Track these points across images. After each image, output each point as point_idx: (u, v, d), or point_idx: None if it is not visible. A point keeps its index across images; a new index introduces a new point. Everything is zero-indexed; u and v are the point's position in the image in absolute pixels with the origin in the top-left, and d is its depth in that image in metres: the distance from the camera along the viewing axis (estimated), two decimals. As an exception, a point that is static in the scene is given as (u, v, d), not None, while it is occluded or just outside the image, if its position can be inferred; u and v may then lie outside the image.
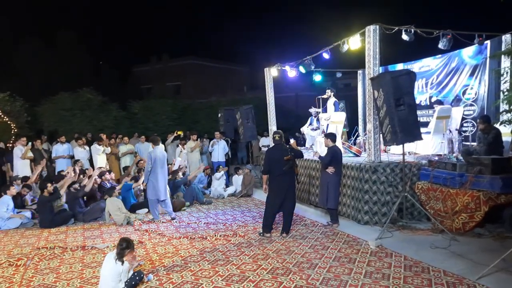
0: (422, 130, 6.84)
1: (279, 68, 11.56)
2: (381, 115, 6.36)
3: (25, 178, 9.58)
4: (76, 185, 8.60)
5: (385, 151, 9.12)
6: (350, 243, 6.09)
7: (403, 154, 6.70)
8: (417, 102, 9.70)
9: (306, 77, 12.04)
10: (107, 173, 9.53)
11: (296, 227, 7.12)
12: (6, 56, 24.52)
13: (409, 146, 8.44)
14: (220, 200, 10.16)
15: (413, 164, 7.29)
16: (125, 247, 4.58)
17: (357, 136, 10.97)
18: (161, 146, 9.01)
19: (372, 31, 7.12)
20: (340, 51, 8.56)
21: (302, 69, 10.60)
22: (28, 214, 8.07)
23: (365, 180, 7.00)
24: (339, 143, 8.80)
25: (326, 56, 9.39)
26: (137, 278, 4.63)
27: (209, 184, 11.16)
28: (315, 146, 9.12)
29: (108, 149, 11.42)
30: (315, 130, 11.20)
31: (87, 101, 17.68)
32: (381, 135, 6.95)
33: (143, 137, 13.09)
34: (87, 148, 11.55)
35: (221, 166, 11.09)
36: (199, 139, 12.58)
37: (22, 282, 4.90)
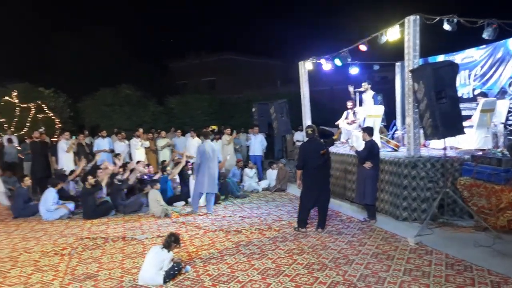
0: (465, 123, 6.58)
1: (314, 61, 11.42)
2: (421, 108, 6.15)
3: (70, 172, 9.97)
4: (119, 177, 8.87)
5: (425, 146, 8.84)
6: (388, 239, 5.96)
7: (445, 148, 6.48)
8: (460, 94, 9.33)
9: (341, 70, 11.83)
10: (146, 166, 9.77)
11: (332, 222, 7.05)
12: (51, 53, 25.59)
13: (451, 141, 8.12)
14: (254, 194, 10.20)
15: (455, 159, 7.02)
16: (173, 240, 4.80)
17: (395, 130, 10.69)
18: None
19: (412, 21, 6.89)
20: (377, 43, 8.35)
21: (338, 62, 10.42)
22: (71, 205, 8.40)
23: (404, 176, 6.81)
24: (377, 137, 8.62)
25: (363, 48, 9.17)
26: (175, 269, 4.74)
27: (241, 178, 11.20)
28: (351, 140, 8.96)
29: (147, 143, 11.73)
30: (351, 124, 11.00)
31: (126, 96, 18.23)
32: (421, 129, 6.74)
33: (179, 131, 13.34)
34: (126, 142, 11.91)
35: (250, 162, 11.11)
36: (234, 133, 12.67)
37: (67, 271, 5.12)
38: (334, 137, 11.65)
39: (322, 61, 11.12)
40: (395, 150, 8.70)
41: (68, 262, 5.44)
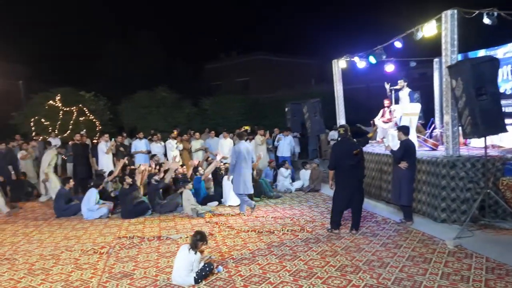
0: (507, 121, 6.24)
1: (347, 59, 11.23)
2: (459, 105, 5.92)
3: (109, 173, 10.30)
4: (156, 177, 9.08)
5: (465, 144, 8.49)
6: (425, 242, 5.77)
7: (485, 147, 6.19)
8: (502, 90, 8.87)
9: (377, 67, 11.57)
10: (180, 167, 9.95)
11: (367, 224, 6.91)
12: (91, 58, 26.63)
13: (493, 139, 7.77)
14: (287, 194, 10.15)
15: (497, 158, 6.68)
16: (199, 239, 4.81)
17: (434, 128, 10.34)
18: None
19: (449, 16, 6.62)
20: (413, 39, 8.10)
21: (372, 60, 10.19)
22: (110, 205, 8.68)
23: (442, 176, 6.57)
24: (413, 136, 8.37)
25: (398, 44, 8.92)
26: (207, 269, 4.79)
27: (274, 178, 11.17)
28: (386, 140, 8.73)
29: (180, 146, 11.97)
30: (387, 122, 10.73)
31: (162, 98, 18.65)
32: (460, 127, 6.48)
33: (212, 132, 13.47)
34: (162, 143, 12.21)
35: (286, 162, 11.04)
36: (267, 133, 12.68)
37: (104, 269, 5.30)
38: (369, 135, 11.41)
39: (356, 59, 10.91)
40: (433, 149, 8.41)
41: (106, 261, 5.62)
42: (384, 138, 10.24)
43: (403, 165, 6.55)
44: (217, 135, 13.34)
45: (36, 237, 7.06)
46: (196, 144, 12.65)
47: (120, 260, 5.64)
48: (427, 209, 6.90)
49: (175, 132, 12.42)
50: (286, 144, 12.10)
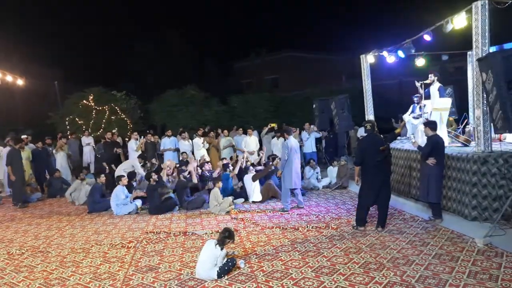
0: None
1: (375, 54, 11.00)
2: (490, 99, 5.69)
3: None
4: (186, 173, 9.23)
5: (501, 140, 8.16)
6: (453, 240, 5.60)
7: (519, 142, 5.93)
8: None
9: (410, 62, 11.28)
10: (206, 163, 10.08)
11: (394, 221, 6.77)
12: (123, 58, 27.35)
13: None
14: (314, 191, 10.07)
15: (532, 154, 6.39)
16: (227, 236, 4.89)
17: (466, 124, 9.98)
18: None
19: (480, 7, 6.37)
20: (443, 31, 7.85)
21: (401, 54, 9.95)
22: (139, 202, 8.90)
23: (473, 172, 6.34)
24: (444, 131, 8.12)
25: (427, 38, 8.68)
26: (230, 264, 4.85)
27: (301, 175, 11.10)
28: (414, 135, 8.52)
29: (207, 145, 12.16)
30: (417, 118, 10.45)
31: (191, 97, 18.92)
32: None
33: (240, 129, 13.54)
34: (190, 141, 12.40)
35: (312, 160, 10.95)
36: (297, 130, 12.64)
37: (131, 263, 5.45)
38: (397, 131, 11.14)
39: (384, 53, 10.67)
40: (465, 145, 8.13)
41: (133, 255, 5.78)
42: (413, 134, 10.00)
43: (431, 161, 6.37)
44: (245, 133, 13.41)
45: (69, 232, 7.35)
46: (224, 141, 12.77)
47: (147, 254, 5.79)
48: (457, 206, 6.69)
49: (201, 130, 12.60)
50: (311, 140, 12.02)
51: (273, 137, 13.42)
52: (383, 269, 4.69)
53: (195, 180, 9.18)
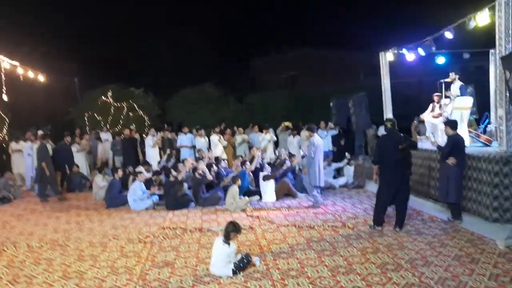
0: None
1: (395, 52, 10.84)
2: (514, 98, 5.54)
3: (145, 163, 10.62)
4: (200, 171, 9.26)
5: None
6: (474, 241, 5.48)
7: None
8: None
9: (430, 60, 11.08)
10: (222, 161, 10.09)
11: (412, 221, 6.66)
12: (141, 55, 27.60)
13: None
14: (330, 190, 9.98)
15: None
16: (232, 229, 4.84)
17: (488, 123, 9.76)
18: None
19: (503, 4, 6.23)
20: (465, 29, 7.68)
21: (421, 52, 9.78)
22: (156, 197, 8.97)
23: (494, 173, 6.20)
24: (464, 131, 7.96)
25: (449, 35, 8.51)
26: (245, 261, 4.83)
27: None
28: (432, 135, 8.37)
29: (225, 143, 12.18)
30: (437, 117, 10.25)
31: (208, 94, 18.98)
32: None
33: (256, 126, 13.51)
34: (206, 138, 12.46)
35: (329, 157, 10.86)
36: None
37: (148, 257, 5.50)
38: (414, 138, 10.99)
39: (404, 51, 10.51)
40: (487, 145, 7.96)
41: (149, 250, 5.83)
42: (432, 133, 9.82)
43: (451, 161, 6.24)
44: (261, 130, 13.38)
45: (87, 226, 7.46)
46: (239, 138, 12.79)
47: (163, 249, 5.83)
48: (478, 207, 6.55)
49: (218, 127, 12.64)
50: (328, 139, 11.96)
51: (289, 135, 13.37)
52: (400, 269, 4.61)
53: (209, 177, 9.19)
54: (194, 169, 9.38)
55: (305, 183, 8.84)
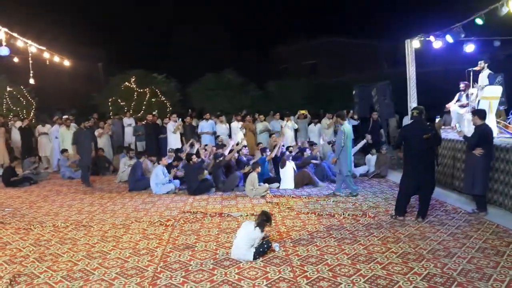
0: None
1: (421, 39, 10.54)
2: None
3: (177, 150, 10.73)
4: (221, 158, 9.29)
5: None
6: (499, 234, 5.35)
7: None
8: None
9: (456, 48, 10.73)
10: (244, 148, 10.11)
11: (435, 212, 6.54)
12: (163, 42, 27.78)
13: None
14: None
15: None
16: (266, 219, 4.93)
17: (517, 114, 9.43)
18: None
19: (540, -13, 5.94)
20: (497, 15, 7.39)
21: (449, 39, 9.47)
22: (177, 182, 9.08)
23: (523, 165, 6.01)
24: (492, 121, 7.73)
25: (479, 22, 8.21)
26: (265, 246, 4.86)
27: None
28: (459, 125, 8.15)
29: (244, 130, 12.19)
30: (464, 107, 9.98)
31: (228, 81, 18.96)
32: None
33: (277, 114, 13.45)
34: (227, 125, 12.49)
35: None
36: (334, 117, 12.42)
37: (169, 240, 5.58)
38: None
39: (431, 38, 10.19)
40: (515, 136, 7.70)
41: (170, 233, 5.92)
42: (459, 123, 9.58)
43: (478, 151, 6.07)
44: (281, 118, 13.32)
45: (110, 208, 7.62)
46: (260, 126, 12.77)
47: (184, 233, 5.91)
48: (504, 200, 6.37)
49: (239, 115, 12.66)
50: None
51: (309, 124, 13.27)
52: (422, 260, 4.55)
53: (228, 156, 9.23)
54: (215, 155, 9.44)
55: (336, 173, 8.65)
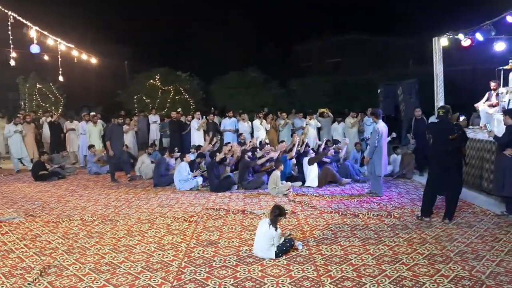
0: None
1: (450, 36, 10.29)
2: None
3: (198, 147, 10.84)
4: (250, 153, 9.31)
5: None
6: (530, 238, 5.19)
7: None
8: None
9: (485, 47, 10.44)
10: (266, 144, 10.12)
11: (462, 214, 6.39)
12: (186, 40, 28.04)
13: None
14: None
15: None
16: (278, 214, 4.85)
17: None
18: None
19: None
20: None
21: (479, 36, 9.21)
22: (200, 179, 9.16)
23: (556, 167, 5.80)
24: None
25: (510, 19, 7.96)
26: (288, 244, 4.86)
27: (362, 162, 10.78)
28: (490, 125, 7.92)
29: (268, 126, 12.18)
30: (494, 107, 9.70)
31: (251, 79, 18.99)
32: None
33: (300, 114, 13.38)
34: (249, 123, 12.52)
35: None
36: (359, 115, 12.31)
37: (193, 236, 5.64)
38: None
39: (460, 35, 9.94)
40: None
41: (194, 228, 5.98)
42: (488, 123, 9.32)
43: (509, 152, 5.90)
44: (304, 117, 13.25)
45: (135, 203, 7.76)
46: (282, 122, 12.77)
47: (207, 229, 5.96)
48: (536, 203, 6.17)
49: (262, 113, 12.69)
50: (369, 126, 11.72)
51: (332, 122, 13.16)
52: (449, 262, 4.46)
53: (260, 162, 9.26)
54: (244, 151, 9.42)
55: (368, 172, 8.50)
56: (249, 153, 9.24)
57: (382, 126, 7.71)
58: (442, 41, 10.53)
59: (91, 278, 4.28)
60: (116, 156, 10.15)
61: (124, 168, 10.44)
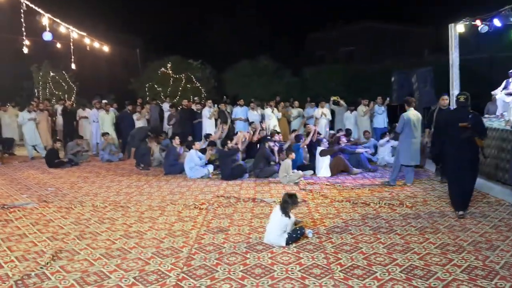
0: None
1: (466, 23, 10.02)
2: None
3: (207, 136, 10.80)
4: (271, 144, 9.19)
5: None
6: (547, 228, 5.07)
7: None
8: None
9: (503, 35, 10.17)
10: (276, 134, 10.07)
11: (476, 204, 6.28)
12: (199, 28, 27.93)
13: None
14: (387, 168, 9.61)
15: None
16: (290, 202, 4.82)
17: None
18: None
19: None
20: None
21: (497, 23, 8.95)
22: (211, 167, 9.16)
23: None
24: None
25: (531, 4, 7.71)
26: (298, 232, 4.83)
27: (376, 150, 10.66)
28: (508, 114, 7.74)
29: (279, 114, 12.09)
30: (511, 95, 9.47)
31: (263, 67, 18.85)
32: None
33: (313, 103, 13.25)
34: (260, 111, 12.44)
35: (387, 133, 10.41)
36: (371, 104, 12.14)
37: (203, 223, 5.65)
38: None
39: (477, 22, 9.67)
40: None
41: (205, 216, 5.99)
42: (505, 112, 9.10)
43: (526, 141, 5.74)
44: (317, 105, 13.13)
45: (146, 190, 7.81)
46: (294, 112, 12.66)
47: (217, 216, 5.96)
48: (553, 193, 6.02)
49: (273, 102, 12.60)
50: (384, 116, 11.54)
51: (346, 110, 13.00)
52: (462, 252, 4.38)
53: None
54: (264, 139, 9.38)
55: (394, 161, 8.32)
56: (271, 143, 9.13)
57: (411, 114, 7.47)
58: (459, 28, 10.26)
59: (102, 263, 4.32)
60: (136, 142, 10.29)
61: (141, 160, 10.40)
